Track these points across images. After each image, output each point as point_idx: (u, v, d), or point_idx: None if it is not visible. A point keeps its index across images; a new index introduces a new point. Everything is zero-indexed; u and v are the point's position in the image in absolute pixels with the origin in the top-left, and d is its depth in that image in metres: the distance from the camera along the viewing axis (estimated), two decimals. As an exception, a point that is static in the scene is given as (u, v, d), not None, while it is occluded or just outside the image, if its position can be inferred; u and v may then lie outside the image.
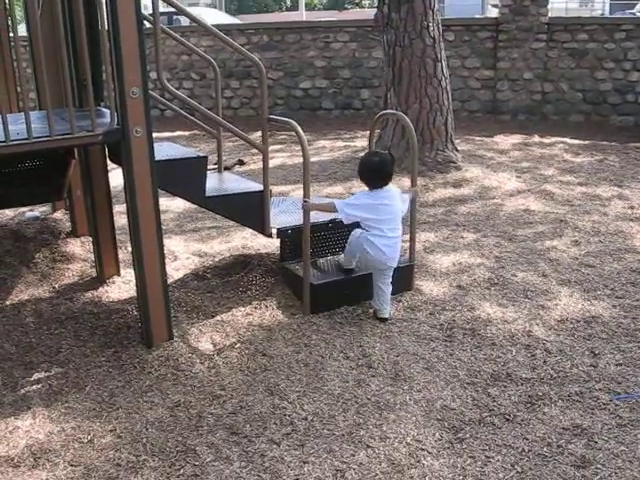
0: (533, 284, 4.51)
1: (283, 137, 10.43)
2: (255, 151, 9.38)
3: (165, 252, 5.27)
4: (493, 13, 19.94)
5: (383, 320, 3.99)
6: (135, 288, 4.09)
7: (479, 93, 11.15)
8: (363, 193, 4.04)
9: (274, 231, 4.30)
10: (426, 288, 4.45)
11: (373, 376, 3.46)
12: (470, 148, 8.70)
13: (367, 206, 3.91)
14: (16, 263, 5.21)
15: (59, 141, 3.23)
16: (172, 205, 6.53)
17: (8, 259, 5.28)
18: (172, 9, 23.25)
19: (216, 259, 5.09)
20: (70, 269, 5.06)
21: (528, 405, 3.19)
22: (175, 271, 4.91)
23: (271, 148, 9.59)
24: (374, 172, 3.99)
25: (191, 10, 17.19)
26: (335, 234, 4.48)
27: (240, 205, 4.11)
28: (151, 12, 3.74)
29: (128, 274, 4.88)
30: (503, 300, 4.28)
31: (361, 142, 9.41)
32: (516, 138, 9.67)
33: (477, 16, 18.67)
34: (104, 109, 4.24)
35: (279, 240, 4.39)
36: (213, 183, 4.32)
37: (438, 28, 7.53)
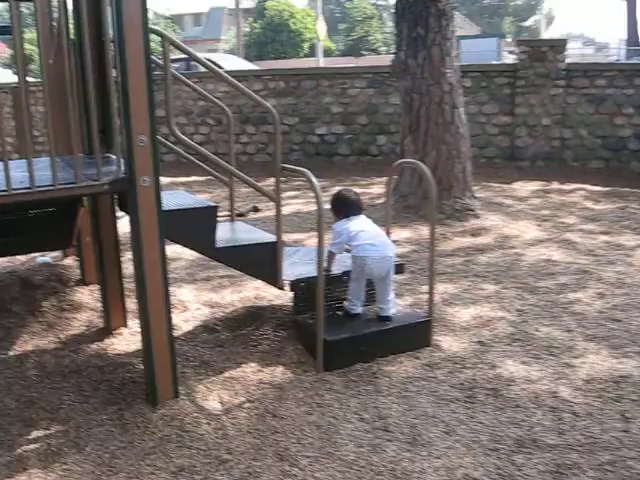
0: (557, 340, 4.30)
1: (298, 183, 10.33)
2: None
3: (175, 302, 5.22)
4: (509, 59, 19.98)
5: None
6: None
7: (497, 139, 11.05)
8: (340, 223, 4.22)
9: (286, 282, 4.14)
10: (445, 344, 4.25)
11: (389, 440, 3.25)
12: (489, 195, 8.55)
13: (348, 228, 4.15)
14: (22, 312, 5.07)
15: (63, 190, 3.12)
16: (184, 253, 6.39)
17: (15, 307, 5.14)
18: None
19: (227, 310, 4.92)
20: (77, 319, 4.92)
21: (556, 475, 2.96)
22: (184, 322, 4.75)
23: (286, 194, 9.54)
24: (353, 202, 4.36)
25: (211, 56, 17.35)
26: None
27: (251, 256, 3.97)
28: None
29: (136, 325, 4.72)
30: (526, 357, 4.07)
31: (377, 189, 9.29)
32: (535, 185, 9.52)
33: (493, 62, 18.71)
34: (113, 156, 4.15)
35: (292, 292, 4.22)
36: (224, 232, 4.19)
37: (456, 74, 7.45)
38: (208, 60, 15.79)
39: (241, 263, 3.99)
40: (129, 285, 5.30)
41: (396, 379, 3.83)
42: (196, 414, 3.50)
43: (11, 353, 4.45)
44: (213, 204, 3.83)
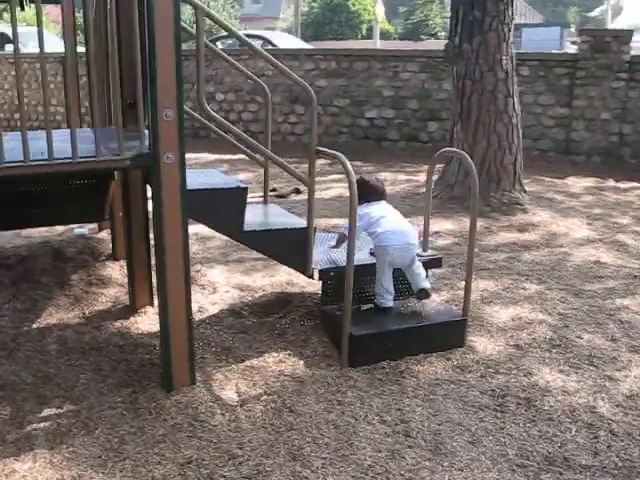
0: (600, 349, 4.03)
1: (344, 166, 10.15)
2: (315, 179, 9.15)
3: (205, 283, 5.10)
4: (571, 50, 19.30)
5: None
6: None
7: (552, 132, 10.62)
8: (360, 207, 3.93)
9: (316, 271, 3.97)
10: (479, 345, 4.03)
11: (410, 447, 3.06)
12: (539, 190, 8.21)
13: (369, 213, 3.97)
14: (51, 284, 5.02)
15: (82, 164, 2.98)
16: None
17: (44, 279, 5.09)
18: (245, 32, 23.39)
19: (257, 295, 4.77)
20: (104, 294, 4.84)
21: (587, 499, 2.74)
22: (211, 305, 4.62)
23: (330, 177, 9.35)
24: (373, 187, 4.15)
25: (265, 33, 17.19)
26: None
27: (280, 242, 3.79)
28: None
29: (160, 306, 4.63)
30: (565, 366, 3.82)
31: (424, 177, 8.98)
32: (589, 181, 9.11)
33: (555, 51, 18.09)
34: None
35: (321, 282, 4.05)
36: (255, 215, 4.03)
37: (512, 62, 7.13)
38: (262, 37, 15.74)
39: (269, 249, 3.82)
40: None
41: (424, 380, 3.63)
42: (211, 403, 3.37)
43: (34, 326, 4.39)
44: (243, 185, 3.66)
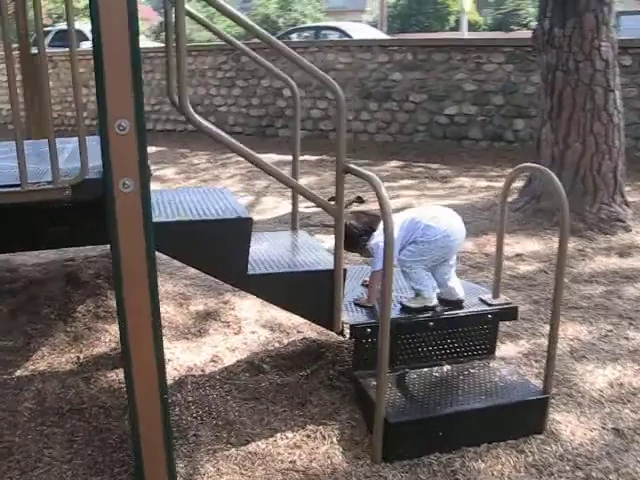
0: None
1: (419, 170, 9.13)
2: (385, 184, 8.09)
3: (230, 319, 4.23)
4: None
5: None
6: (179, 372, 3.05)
7: (660, 130, 9.24)
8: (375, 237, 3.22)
9: (347, 327, 3.03)
10: (565, 429, 2.99)
11: None
12: (644, 201, 6.97)
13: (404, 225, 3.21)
14: (53, 316, 4.29)
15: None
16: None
17: (46, 309, 4.38)
18: (320, 24, 22.50)
19: (286, 340, 3.87)
20: (108, 332, 4.07)
21: None
22: (230, 352, 3.77)
23: (400, 183, 8.35)
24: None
25: (341, 25, 16.27)
26: (438, 337, 3.13)
27: (296, 289, 2.88)
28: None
29: (168, 351, 3.80)
30: (688, 468, 2.75)
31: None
32: None
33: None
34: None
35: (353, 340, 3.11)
36: (267, 251, 3.14)
37: (613, 50, 5.95)
38: (337, 29, 14.77)
39: (281, 297, 2.90)
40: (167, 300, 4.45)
41: (486, 484, 2.65)
42: (189, 514, 2.51)
43: (17, 373, 3.66)
44: (244, 215, 2.75)
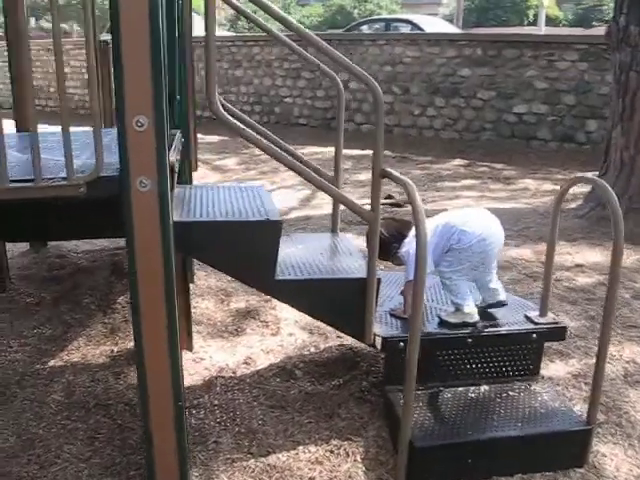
0: None
1: (483, 170, 8.82)
2: (444, 184, 7.88)
3: (269, 319, 4.13)
4: None
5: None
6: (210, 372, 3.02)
7: None
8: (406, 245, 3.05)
9: (378, 339, 2.87)
10: (610, 463, 2.75)
11: None
12: None
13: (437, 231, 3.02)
14: (93, 306, 4.30)
15: (12, 191, 2.09)
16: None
17: (88, 299, 4.38)
18: (391, 16, 22.14)
19: (323, 346, 3.74)
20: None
21: None
22: (264, 354, 3.66)
23: (461, 183, 8.08)
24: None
25: (413, 18, 15.97)
26: (477, 355, 2.94)
27: (327, 296, 2.73)
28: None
29: (202, 350, 3.73)
30: None
31: (575, 188, 7.52)
32: None
33: None
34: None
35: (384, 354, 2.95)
36: (301, 255, 3.00)
37: (695, 49, 5.58)
38: (410, 22, 14.45)
39: (311, 305, 2.76)
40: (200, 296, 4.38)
41: (517, 519, 2.46)
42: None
43: (50, 363, 3.65)
44: (274, 217, 2.62)
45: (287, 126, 12.26)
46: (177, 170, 2.80)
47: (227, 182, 7.98)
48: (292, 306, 2.92)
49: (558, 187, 7.54)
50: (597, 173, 6.39)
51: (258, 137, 2.47)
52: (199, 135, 9.43)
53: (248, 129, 2.49)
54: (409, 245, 2.95)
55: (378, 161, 2.61)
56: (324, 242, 3.27)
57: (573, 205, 6.53)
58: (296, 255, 2.95)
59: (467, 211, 3.19)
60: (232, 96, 13.00)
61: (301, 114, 12.29)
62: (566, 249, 5.35)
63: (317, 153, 9.73)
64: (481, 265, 3.01)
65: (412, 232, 2.85)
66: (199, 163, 8.88)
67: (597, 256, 5.22)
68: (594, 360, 3.34)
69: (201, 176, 8.71)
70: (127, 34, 2.02)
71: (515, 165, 9.01)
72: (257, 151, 10.51)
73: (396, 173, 2.55)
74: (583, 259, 5.15)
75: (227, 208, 2.69)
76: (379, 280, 2.76)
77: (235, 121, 2.42)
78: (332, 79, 3.46)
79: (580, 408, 3.06)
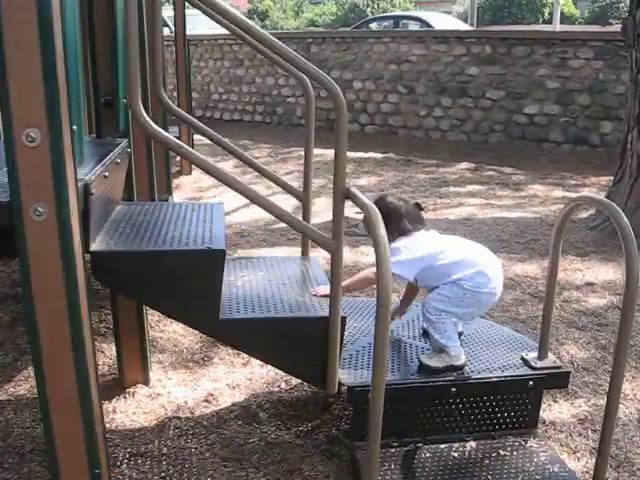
0: None
1: (490, 174, 8.36)
2: (449, 189, 7.41)
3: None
4: None
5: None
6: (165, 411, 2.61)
7: None
8: (402, 241, 2.60)
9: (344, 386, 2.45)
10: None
11: None
12: None
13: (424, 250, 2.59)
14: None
15: None
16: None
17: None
18: (400, 13, 21.66)
19: (294, 381, 3.29)
20: (103, 353, 3.64)
21: None
22: (229, 390, 3.26)
23: (466, 189, 7.62)
24: (404, 211, 2.70)
25: (422, 14, 15.55)
26: (463, 405, 2.51)
27: (278, 339, 2.31)
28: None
29: (160, 384, 3.33)
30: None
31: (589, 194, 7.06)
32: None
33: None
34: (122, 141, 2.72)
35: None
36: (261, 284, 2.58)
37: None
38: (418, 19, 14.06)
39: (261, 350, 2.33)
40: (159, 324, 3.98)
41: None
42: None
43: (-7, 396, 3.27)
44: (216, 246, 2.19)
45: (289, 127, 11.88)
46: (112, 188, 2.39)
47: (218, 188, 7.56)
48: (242, 350, 2.51)
49: (570, 194, 7.11)
50: (612, 179, 5.95)
51: (181, 145, 2.06)
52: (196, 137, 9.07)
53: (176, 140, 2.07)
54: (403, 249, 2.53)
55: (340, 179, 2.18)
56: (290, 268, 2.84)
57: (584, 215, 6.07)
58: (252, 286, 2.54)
59: (486, 251, 2.73)
60: (234, 96, 12.62)
61: (303, 114, 11.86)
62: (576, 265, 4.91)
63: (319, 155, 9.31)
64: (470, 318, 2.61)
65: (412, 234, 2.51)
66: (193, 167, 8.52)
67: (610, 273, 4.78)
68: (604, 400, 2.92)
69: (194, 180, 8.34)
70: (9, 27, 1.61)
71: (525, 169, 8.54)
72: (257, 153, 10.27)
73: (360, 195, 2.11)
74: (594, 277, 4.71)
75: (167, 233, 2.28)
76: (344, 319, 2.33)
77: (158, 128, 2.00)
78: (300, 80, 3.04)
79: (585, 464, 2.64)
